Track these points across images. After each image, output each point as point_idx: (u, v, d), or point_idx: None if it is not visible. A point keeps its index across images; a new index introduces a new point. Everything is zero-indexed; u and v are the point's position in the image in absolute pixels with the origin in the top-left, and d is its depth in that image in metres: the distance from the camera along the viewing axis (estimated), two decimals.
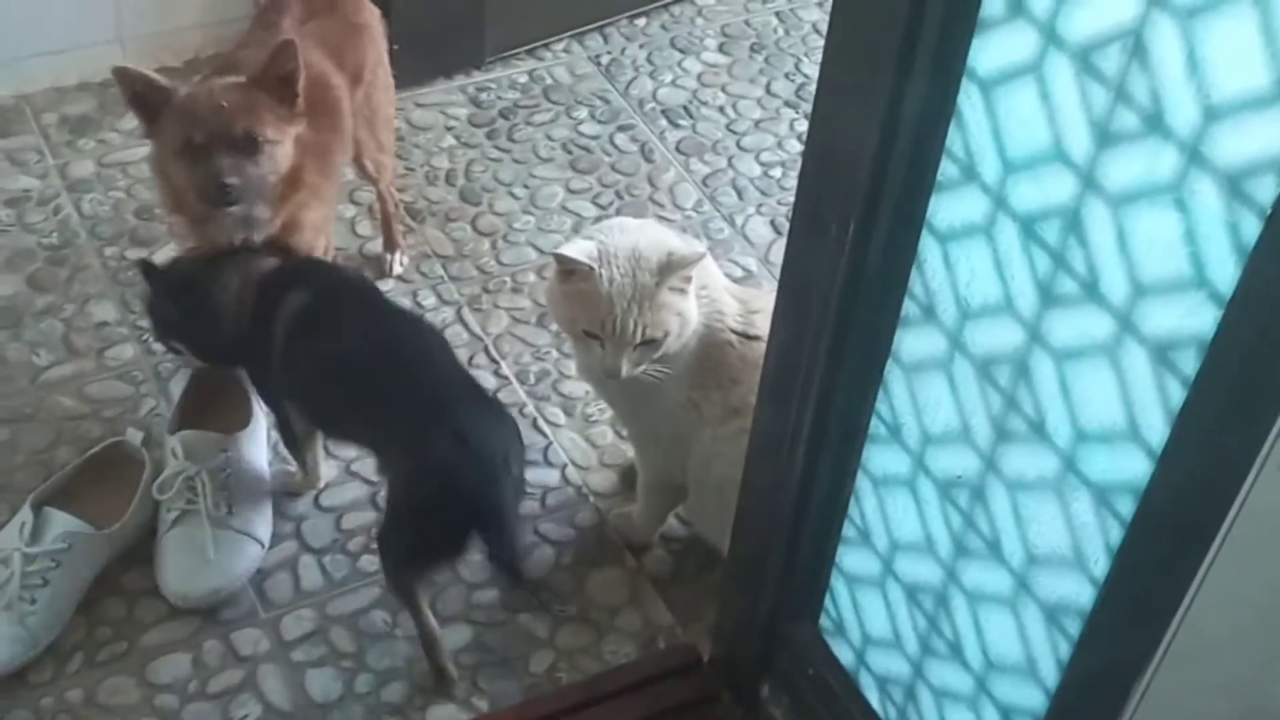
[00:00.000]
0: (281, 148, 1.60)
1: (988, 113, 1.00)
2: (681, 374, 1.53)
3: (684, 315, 1.49)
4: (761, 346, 1.47)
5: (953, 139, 1.04)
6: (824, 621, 1.42)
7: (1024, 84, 0.96)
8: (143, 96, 1.58)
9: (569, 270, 1.47)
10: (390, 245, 2.04)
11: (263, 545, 1.67)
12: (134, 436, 1.68)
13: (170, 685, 1.56)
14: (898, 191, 1.10)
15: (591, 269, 1.46)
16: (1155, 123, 0.87)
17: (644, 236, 1.50)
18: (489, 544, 1.49)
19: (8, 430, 1.78)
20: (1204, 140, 0.84)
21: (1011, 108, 0.98)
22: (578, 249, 1.48)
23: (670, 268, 1.46)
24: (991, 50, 0.98)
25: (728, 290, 1.57)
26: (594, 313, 1.47)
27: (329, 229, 1.83)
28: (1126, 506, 0.99)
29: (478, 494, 1.47)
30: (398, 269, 2.03)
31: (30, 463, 1.74)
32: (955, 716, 1.26)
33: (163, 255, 1.89)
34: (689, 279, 1.48)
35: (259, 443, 1.74)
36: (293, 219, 1.67)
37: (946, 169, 1.06)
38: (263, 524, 1.68)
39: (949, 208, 1.07)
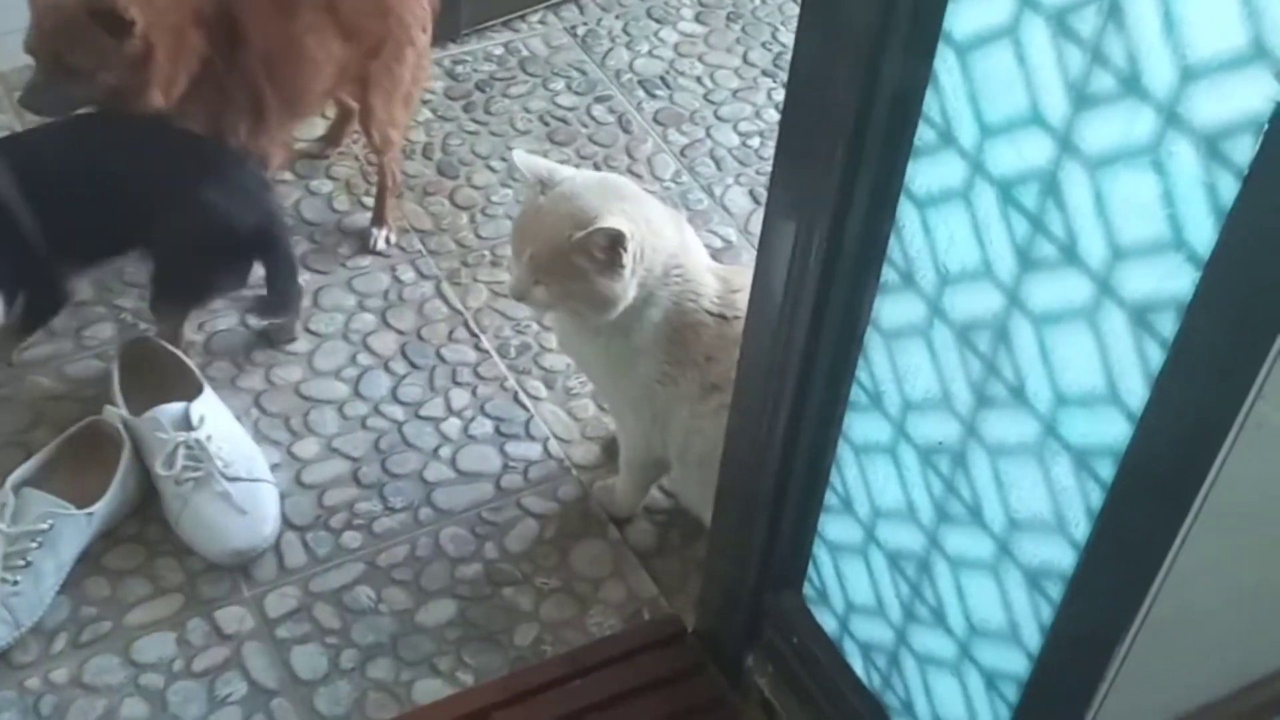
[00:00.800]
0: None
1: (964, 77, 0.99)
2: (651, 348, 1.52)
3: (588, 280, 1.45)
4: (740, 325, 1.46)
5: (929, 104, 1.03)
6: (807, 590, 1.42)
7: (1000, 47, 0.95)
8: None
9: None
10: (378, 220, 2.03)
11: (274, 484, 1.70)
12: (111, 415, 1.67)
13: (155, 664, 1.56)
14: (875, 158, 1.10)
15: (533, 185, 1.50)
16: (1132, 84, 0.86)
17: (608, 194, 1.49)
18: (270, 269, 1.76)
19: None
20: (1181, 101, 0.84)
21: (988, 71, 0.97)
22: (538, 165, 1.51)
23: (583, 238, 1.43)
24: (967, 13, 0.97)
25: (710, 269, 1.56)
26: (515, 226, 1.56)
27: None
28: (1107, 470, 0.99)
29: (258, 223, 1.74)
30: (382, 245, 2.01)
31: (10, 444, 1.73)
32: (939, 682, 1.26)
33: None
34: (607, 255, 1.44)
35: (216, 400, 1.74)
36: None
37: (924, 134, 1.05)
38: (264, 467, 1.70)
39: (927, 173, 1.06)
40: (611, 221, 1.43)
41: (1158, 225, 0.88)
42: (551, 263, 1.46)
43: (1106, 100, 0.89)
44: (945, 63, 1.01)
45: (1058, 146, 0.94)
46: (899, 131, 1.07)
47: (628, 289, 1.46)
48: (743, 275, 1.53)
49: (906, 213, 1.10)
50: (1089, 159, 0.92)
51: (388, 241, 2.02)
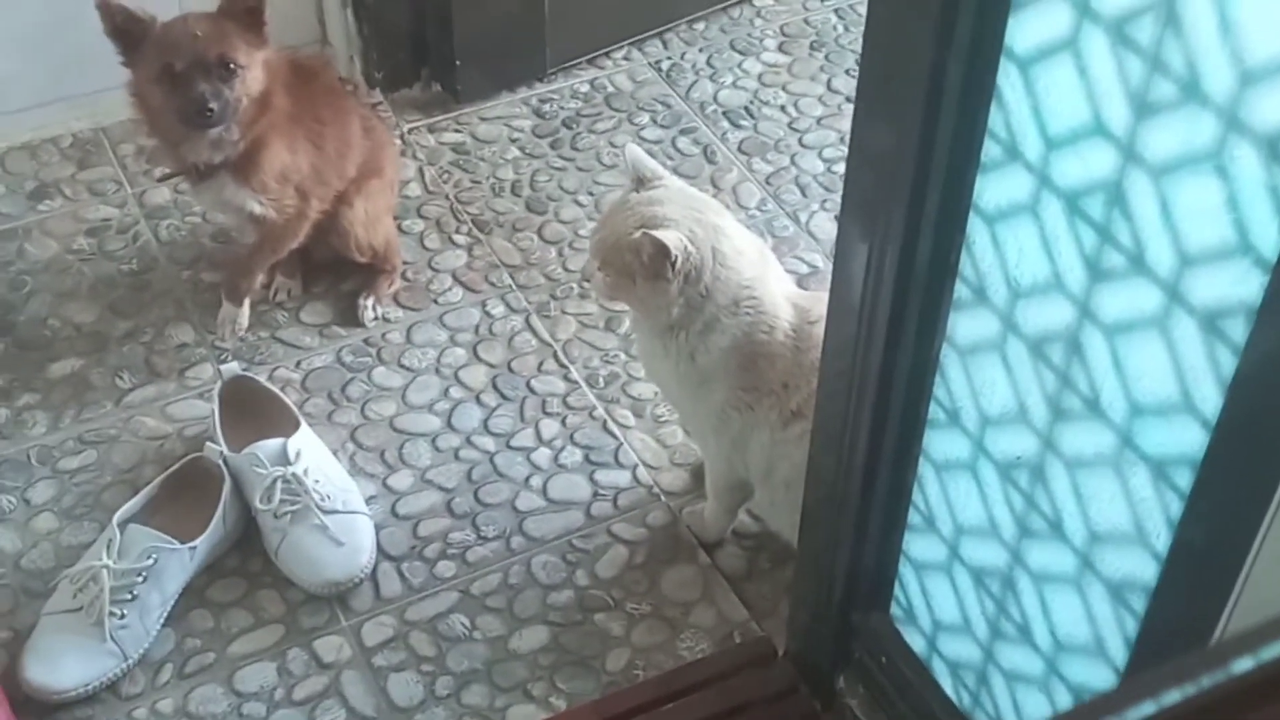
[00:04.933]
0: (252, 72, 1.76)
1: (1027, 91, 1.00)
2: (721, 374, 1.54)
3: (635, 281, 1.50)
4: (816, 355, 1.48)
5: (994, 119, 1.04)
6: (895, 610, 1.42)
7: (1061, 60, 0.96)
8: (123, 29, 1.73)
9: None
10: (369, 291, 2.03)
11: (370, 516, 1.73)
12: (211, 452, 1.72)
13: (257, 693, 1.60)
14: (943, 175, 1.10)
15: (632, 179, 1.56)
16: (1192, 90, 0.87)
17: (688, 210, 1.52)
18: None
19: (95, 452, 1.83)
20: (1241, 105, 0.84)
21: (1050, 84, 0.98)
22: (644, 163, 1.56)
23: (636, 239, 1.47)
24: (1027, 28, 0.98)
25: (789, 298, 1.57)
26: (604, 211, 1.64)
27: (313, 193, 1.91)
28: (1185, 479, 0.98)
29: None
30: (369, 315, 2.00)
31: (117, 482, 1.79)
32: (1028, 699, 1.26)
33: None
34: (652, 263, 1.47)
35: (312, 436, 1.78)
36: (257, 142, 1.81)
37: (990, 149, 1.06)
38: (358, 499, 1.74)
39: (994, 188, 1.07)
40: (665, 235, 1.46)
41: (1223, 230, 0.88)
42: (611, 253, 1.52)
43: (1167, 107, 0.89)
44: (1008, 77, 1.01)
45: (1121, 156, 0.94)
46: (966, 148, 1.07)
47: (671, 303, 1.49)
48: (821, 304, 1.54)
49: (976, 228, 1.11)
50: (1153, 167, 0.92)
51: (375, 313, 2.01)
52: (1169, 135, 0.90)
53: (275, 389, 1.83)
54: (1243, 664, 0.54)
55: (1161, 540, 1.02)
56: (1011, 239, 1.07)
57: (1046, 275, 1.05)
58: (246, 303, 1.95)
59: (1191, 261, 0.91)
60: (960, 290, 1.15)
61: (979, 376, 1.16)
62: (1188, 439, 0.96)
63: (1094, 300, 1.01)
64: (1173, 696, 0.56)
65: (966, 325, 1.16)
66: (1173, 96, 0.88)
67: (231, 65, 1.72)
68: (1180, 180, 0.90)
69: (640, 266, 1.48)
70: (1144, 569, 1.05)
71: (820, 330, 1.48)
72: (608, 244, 1.53)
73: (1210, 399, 0.93)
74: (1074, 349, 1.04)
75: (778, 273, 1.59)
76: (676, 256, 1.46)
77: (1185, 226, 0.91)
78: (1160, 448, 1.00)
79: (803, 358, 1.52)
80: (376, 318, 2.01)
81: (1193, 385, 0.95)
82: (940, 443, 1.25)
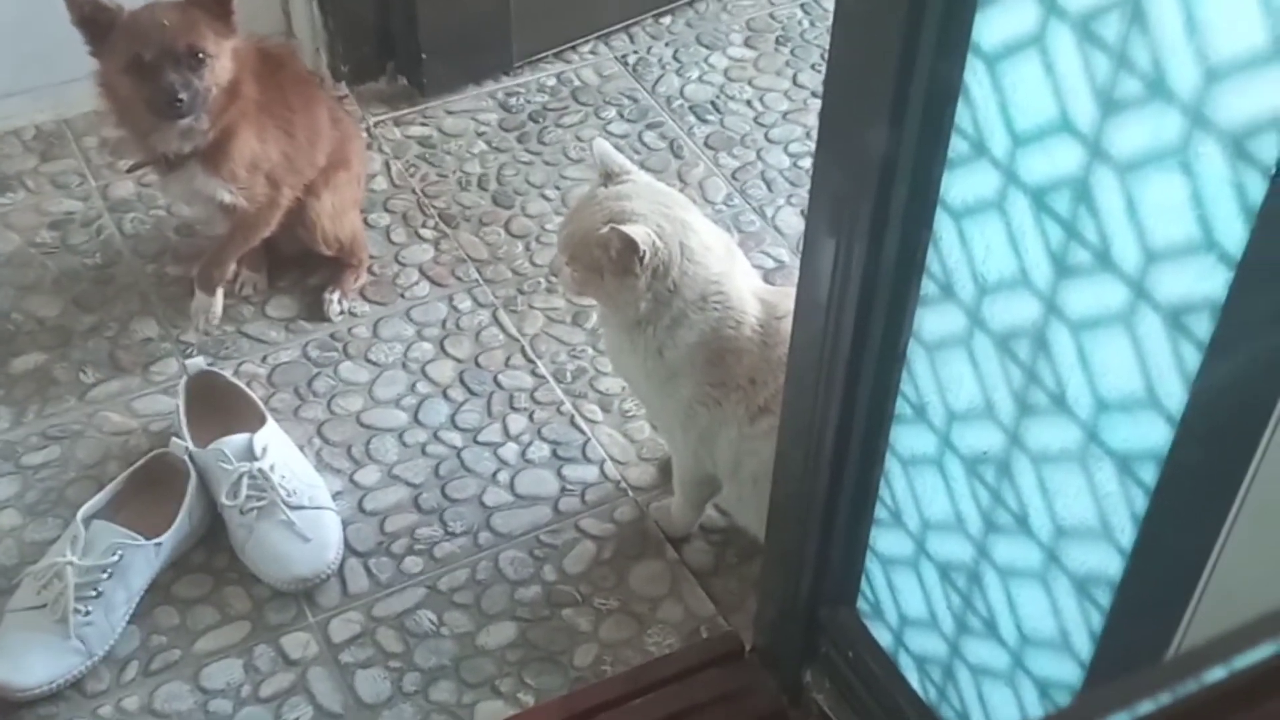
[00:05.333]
0: (221, 61, 1.75)
1: (994, 87, 1.00)
2: (688, 369, 1.54)
3: (603, 275, 1.51)
4: (783, 350, 1.48)
5: (961, 115, 1.04)
6: (861, 604, 1.43)
7: (1027, 56, 0.96)
8: (91, 18, 1.72)
9: None
10: (335, 285, 2.02)
11: (337, 511, 1.73)
12: (177, 448, 1.71)
13: (224, 690, 1.59)
14: (910, 171, 1.11)
15: (601, 174, 1.56)
16: (1158, 87, 0.87)
17: (656, 204, 1.52)
18: None
19: (59, 447, 1.82)
20: (1206, 102, 0.84)
21: (1017, 81, 0.98)
22: (612, 158, 1.57)
23: (604, 234, 1.48)
24: (995, 24, 0.98)
25: (756, 293, 1.57)
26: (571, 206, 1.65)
27: (285, 181, 1.90)
28: (1149, 474, 0.99)
29: None
30: (335, 309, 2.00)
31: (81, 478, 1.78)
32: (994, 693, 1.26)
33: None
34: (620, 258, 1.48)
35: (279, 431, 1.77)
36: (226, 131, 1.80)
37: (957, 145, 1.06)
38: (325, 494, 1.74)
39: (961, 184, 1.07)
40: (634, 230, 1.47)
41: (1189, 227, 0.89)
42: (579, 248, 1.52)
43: (1134, 104, 0.89)
44: (975, 74, 1.02)
45: (1088, 152, 0.94)
46: (933, 144, 1.08)
47: (639, 298, 1.50)
48: (788, 299, 1.55)
49: (943, 224, 1.11)
50: (1119, 163, 0.92)
51: (341, 307, 2.00)
52: (1135, 132, 0.90)
53: (241, 384, 1.82)
54: (1215, 673, 0.54)
55: (1127, 535, 1.03)
56: (978, 235, 1.08)
57: (1013, 271, 1.05)
58: (220, 292, 1.94)
59: (1157, 258, 0.92)
60: (927, 286, 1.15)
61: (946, 372, 1.17)
62: (1153, 434, 0.97)
63: (1060, 296, 1.01)
64: (1146, 706, 0.56)
65: (933, 321, 1.16)
66: (1139, 93, 0.89)
67: (200, 54, 1.71)
68: (1146, 177, 0.91)
69: (608, 261, 1.48)
70: (1109, 563, 1.06)
71: (788, 325, 1.49)
72: (575, 239, 1.53)
73: (1175, 394, 0.94)
74: (1040, 345, 1.05)
75: (744, 268, 1.59)
76: (645, 251, 1.47)
77: (1151, 223, 0.92)
78: (1125, 443, 1.00)
79: (770, 353, 1.52)
80: (343, 312, 2.00)
81: (1158, 381, 0.95)
82: (907, 438, 1.25)
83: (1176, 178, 0.88)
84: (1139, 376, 0.96)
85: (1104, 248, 0.96)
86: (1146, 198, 0.91)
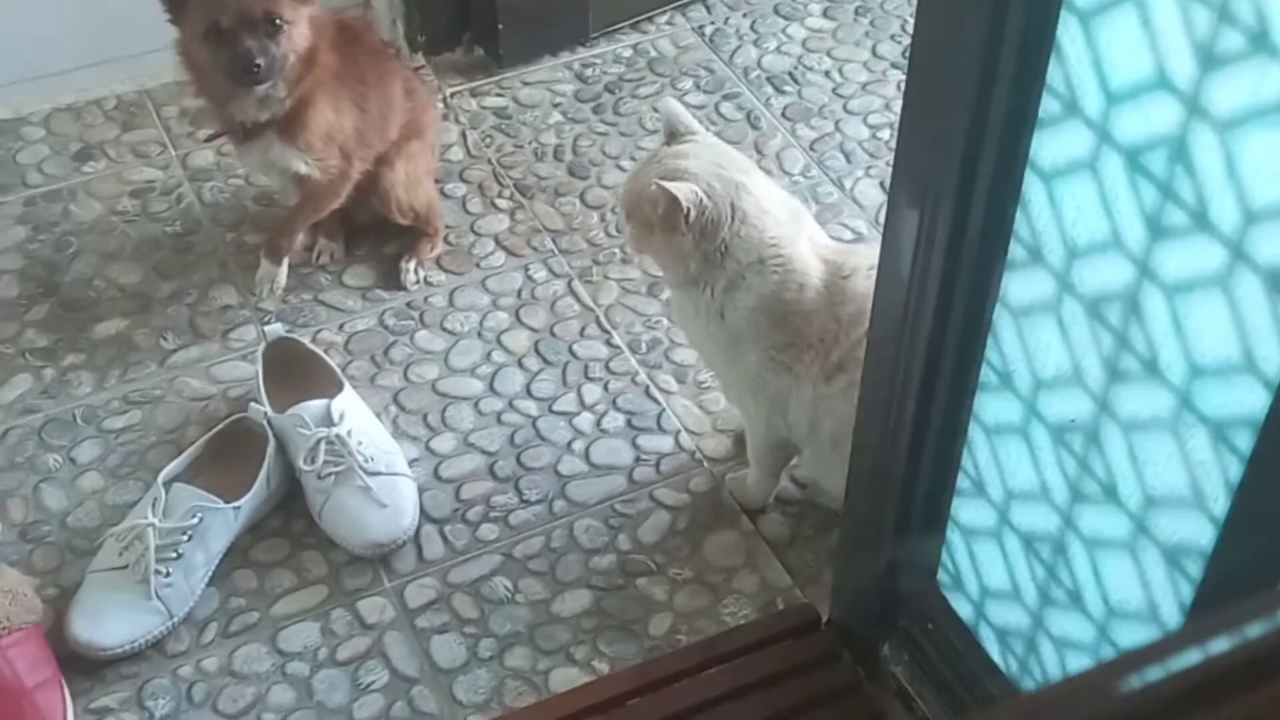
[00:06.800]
0: (298, 28, 1.75)
1: (1088, 44, 0.98)
2: (751, 332, 1.53)
3: (652, 232, 1.51)
4: (852, 308, 1.47)
5: (1053, 74, 1.02)
6: (942, 576, 1.41)
7: (1124, 11, 0.94)
8: None
9: None
10: (411, 254, 2.03)
11: (413, 478, 1.73)
12: (255, 413, 1.73)
13: (301, 653, 1.60)
14: (999, 133, 1.08)
15: (666, 133, 1.59)
16: (1261, 40, 0.84)
17: (713, 165, 1.51)
18: None
19: (139, 412, 1.84)
20: None
21: (1112, 37, 0.96)
22: (678, 117, 1.58)
23: (653, 191, 1.48)
24: None
25: (822, 255, 1.55)
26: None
27: (355, 154, 1.90)
28: (1245, 441, 0.96)
29: None
30: (411, 278, 2.00)
31: (161, 442, 1.80)
32: (1077, 665, 1.24)
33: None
34: (666, 215, 1.48)
35: (356, 398, 1.78)
36: (303, 100, 1.81)
37: (1048, 105, 1.04)
38: (402, 461, 1.74)
39: (1052, 145, 1.05)
40: (678, 187, 1.46)
41: None
42: (634, 204, 1.54)
43: (1235, 59, 0.87)
44: (1068, 30, 0.99)
45: (1186, 110, 0.92)
46: (1023, 104, 1.06)
47: (688, 256, 1.50)
48: (854, 256, 1.54)
49: (1033, 187, 1.09)
50: (1218, 121, 0.90)
51: (417, 276, 2.01)
52: (1236, 88, 0.88)
53: (319, 351, 1.83)
54: None
55: (1220, 504, 1.01)
56: (1069, 197, 1.05)
57: (1105, 234, 1.03)
58: (285, 262, 1.95)
59: (1257, 218, 0.89)
60: (1015, 250, 1.13)
61: (1033, 338, 1.15)
62: (1249, 400, 0.94)
63: (1154, 259, 0.99)
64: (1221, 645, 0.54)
65: (1021, 286, 1.14)
66: (1241, 48, 0.86)
67: (277, 21, 1.72)
68: (1246, 134, 0.88)
69: (657, 218, 1.49)
70: (1201, 533, 1.03)
71: (855, 284, 1.49)
72: (631, 195, 1.55)
73: (1273, 358, 0.92)
74: (1132, 309, 1.03)
75: (812, 232, 1.58)
76: (688, 209, 1.46)
77: (1250, 182, 0.89)
78: (1220, 409, 0.98)
79: (839, 311, 1.51)
80: (419, 281, 2.01)
81: (1255, 344, 0.93)
82: (991, 406, 1.23)
83: (1279, 134, 0.86)
84: (1236, 340, 0.94)
85: (1201, 208, 0.93)
86: (1246, 156, 0.89)
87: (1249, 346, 0.93)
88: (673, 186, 1.46)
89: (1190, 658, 0.48)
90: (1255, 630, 0.49)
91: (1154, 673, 0.48)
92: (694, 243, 1.49)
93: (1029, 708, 0.50)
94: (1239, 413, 0.96)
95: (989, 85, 1.06)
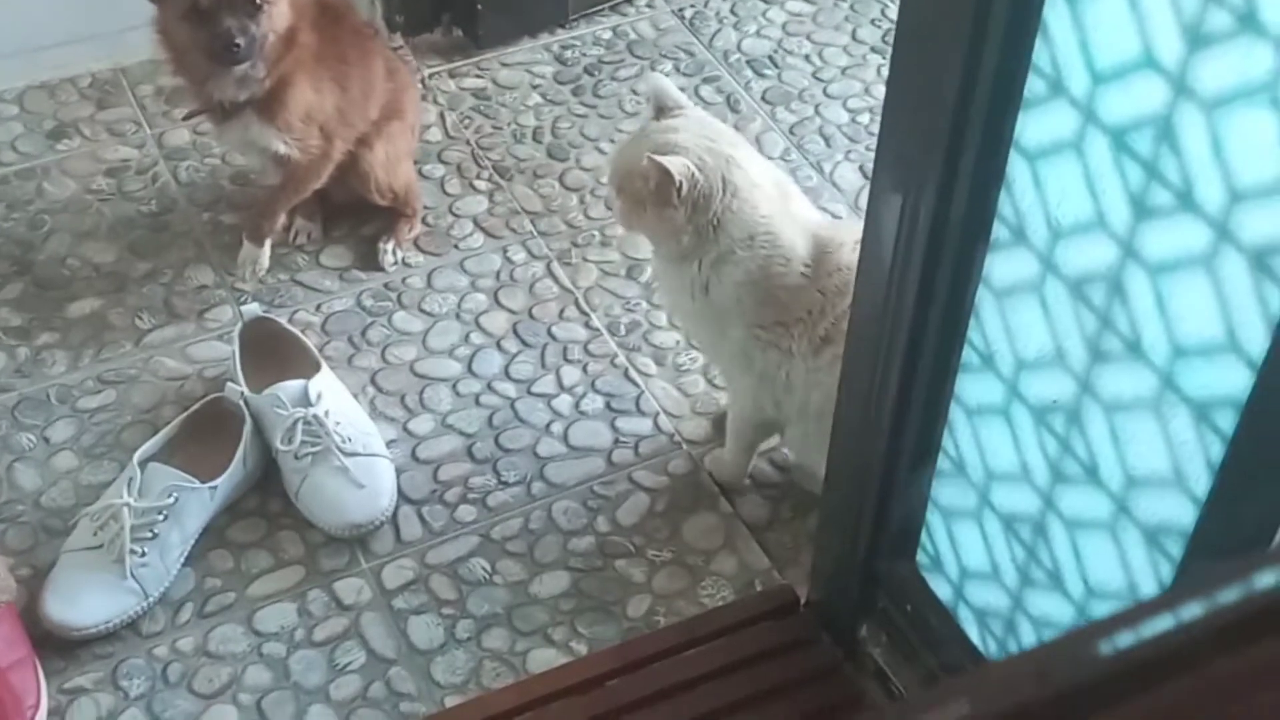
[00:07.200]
0: (278, 8, 1.74)
1: (1074, 23, 0.98)
2: (736, 309, 1.54)
3: (644, 206, 1.51)
4: (838, 279, 1.47)
5: (1039, 54, 1.02)
6: (921, 558, 1.41)
7: None
8: None
9: None
10: (389, 235, 2.01)
11: (390, 459, 1.72)
12: (232, 393, 1.71)
13: (277, 634, 1.59)
14: (984, 114, 1.08)
15: (653, 108, 1.57)
16: (1248, 20, 0.85)
17: (703, 138, 1.51)
18: None
19: (114, 391, 1.82)
20: None
21: (1099, 16, 0.96)
22: (665, 91, 1.57)
23: (645, 165, 1.47)
24: None
25: (809, 230, 1.55)
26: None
27: (337, 134, 1.89)
28: (1227, 421, 0.97)
29: None
30: (389, 259, 1.99)
31: (136, 422, 1.79)
32: None
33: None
34: (658, 189, 1.48)
35: (333, 378, 1.77)
36: (283, 80, 1.79)
37: (1034, 85, 1.04)
38: (379, 442, 1.73)
39: (1037, 125, 1.05)
40: (670, 161, 1.46)
41: (1277, 165, 0.86)
42: (624, 180, 1.53)
43: (1222, 38, 0.87)
44: (1055, 10, 0.99)
45: (1172, 89, 0.92)
46: (1008, 84, 1.06)
47: (680, 231, 1.50)
48: (840, 232, 1.54)
49: (1017, 168, 1.09)
50: (1205, 100, 0.90)
51: (395, 257, 2.00)
52: (1223, 67, 0.88)
53: (296, 331, 1.82)
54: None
55: (1201, 484, 1.01)
56: (1054, 178, 1.05)
57: (1089, 214, 1.03)
58: (268, 243, 1.94)
59: (1243, 197, 0.90)
60: (999, 231, 1.13)
61: (1015, 319, 1.15)
62: (1232, 380, 0.95)
63: (1138, 239, 0.99)
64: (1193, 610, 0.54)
65: (1004, 267, 1.14)
66: (1228, 26, 0.86)
67: (258, 1, 1.71)
68: (1233, 114, 0.88)
69: (648, 193, 1.49)
70: (1182, 513, 1.04)
71: (842, 257, 1.49)
72: (621, 170, 1.55)
73: (1257, 338, 0.92)
74: (1115, 289, 1.03)
75: (801, 206, 1.58)
76: (681, 182, 1.46)
77: (1237, 161, 0.89)
78: (1203, 389, 0.98)
79: (824, 283, 1.51)
80: (397, 262, 1.99)
81: (1239, 324, 0.93)
82: (973, 387, 1.24)
83: (1266, 114, 0.86)
84: (1219, 320, 0.94)
85: (1186, 188, 0.93)
86: (1233, 135, 0.89)
87: (1232, 326, 0.94)
88: (665, 160, 1.46)
89: (1164, 623, 0.49)
90: (1229, 596, 0.50)
91: (1127, 639, 0.48)
92: (686, 216, 1.49)
93: (1006, 672, 0.50)
94: (1222, 393, 0.96)
95: (974, 65, 1.06)
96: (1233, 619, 0.50)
